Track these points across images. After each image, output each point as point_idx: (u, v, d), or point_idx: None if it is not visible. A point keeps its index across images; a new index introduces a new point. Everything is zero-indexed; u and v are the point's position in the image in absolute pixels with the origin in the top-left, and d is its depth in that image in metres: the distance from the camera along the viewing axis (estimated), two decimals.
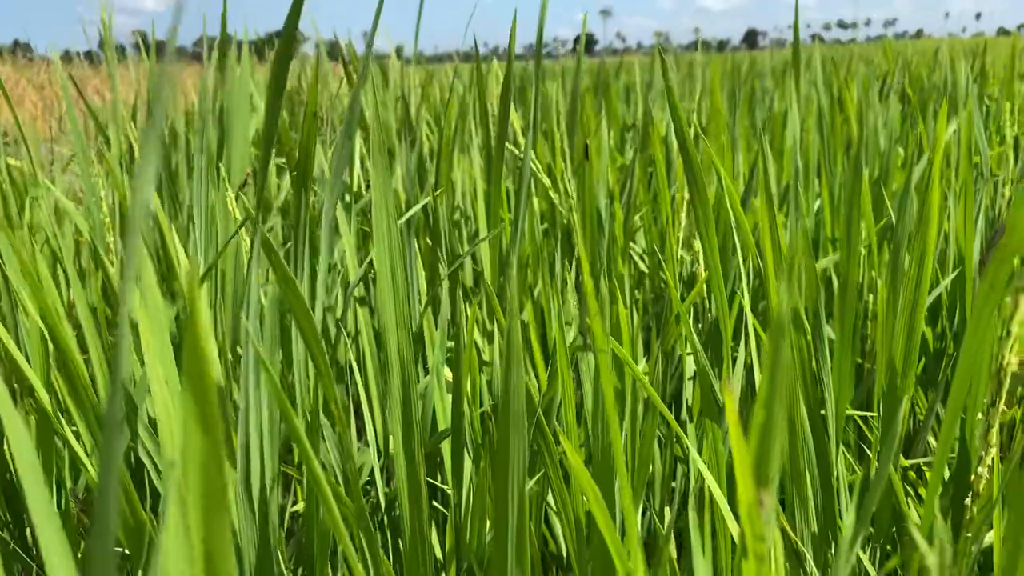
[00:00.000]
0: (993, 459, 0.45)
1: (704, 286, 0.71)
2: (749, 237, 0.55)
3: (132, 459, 0.70)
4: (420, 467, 0.44)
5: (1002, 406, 0.44)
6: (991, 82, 1.99)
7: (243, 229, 0.69)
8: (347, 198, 1.00)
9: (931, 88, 1.66)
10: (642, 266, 1.17)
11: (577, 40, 1.35)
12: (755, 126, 1.66)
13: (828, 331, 0.85)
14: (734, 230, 0.50)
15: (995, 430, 0.45)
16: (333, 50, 2.13)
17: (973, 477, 0.46)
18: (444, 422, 0.74)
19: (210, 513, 0.20)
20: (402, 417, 0.44)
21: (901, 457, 0.65)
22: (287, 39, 0.47)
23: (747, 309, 0.49)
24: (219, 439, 0.20)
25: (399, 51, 1.81)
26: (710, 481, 0.41)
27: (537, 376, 0.75)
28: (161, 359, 0.47)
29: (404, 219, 0.78)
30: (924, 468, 0.68)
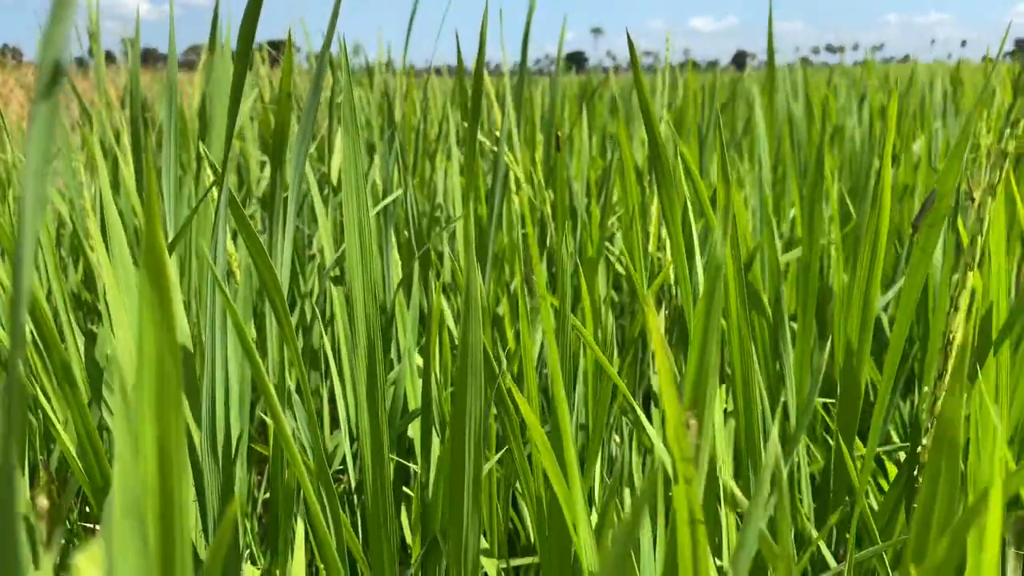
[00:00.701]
0: None
1: (671, 274, 0.73)
2: (710, 213, 0.57)
3: (104, 435, 0.71)
4: (382, 414, 0.45)
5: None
6: (967, 98, 2.03)
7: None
8: (326, 190, 1.01)
9: (907, 103, 1.70)
10: (619, 268, 1.19)
11: (568, 57, 1.37)
12: (734, 133, 1.69)
13: (792, 326, 0.87)
14: (689, 208, 0.51)
15: (941, 402, 0.46)
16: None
17: (919, 450, 0.48)
18: (415, 406, 0.75)
19: (164, 406, 0.21)
20: (367, 371, 0.45)
21: (859, 442, 0.66)
22: (249, 17, 0.49)
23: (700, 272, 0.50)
24: (174, 327, 0.21)
25: (389, 62, 1.84)
26: (659, 447, 0.43)
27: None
28: (130, 325, 0.48)
29: (380, 207, 0.79)
30: (883, 456, 0.70)
